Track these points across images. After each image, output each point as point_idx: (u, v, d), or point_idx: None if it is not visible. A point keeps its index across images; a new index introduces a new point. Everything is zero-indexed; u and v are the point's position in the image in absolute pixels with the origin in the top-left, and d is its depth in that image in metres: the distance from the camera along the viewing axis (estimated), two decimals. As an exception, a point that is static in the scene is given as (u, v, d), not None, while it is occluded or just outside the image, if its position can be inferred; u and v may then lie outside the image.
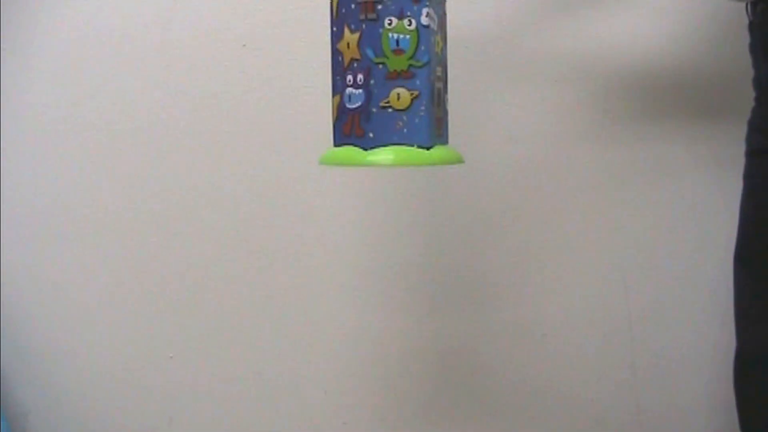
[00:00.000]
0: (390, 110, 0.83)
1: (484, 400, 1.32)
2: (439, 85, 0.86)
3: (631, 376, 1.29)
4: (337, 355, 1.32)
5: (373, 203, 1.29)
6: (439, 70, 0.86)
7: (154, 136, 1.30)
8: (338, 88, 0.86)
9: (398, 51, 0.82)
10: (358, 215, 1.29)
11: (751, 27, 1.01)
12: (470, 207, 1.28)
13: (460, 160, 0.89)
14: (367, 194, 1.28)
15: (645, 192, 1.26)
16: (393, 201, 1.28)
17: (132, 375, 1.34)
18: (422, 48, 0.82)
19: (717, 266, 1.23)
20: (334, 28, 0.86)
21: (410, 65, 0.82)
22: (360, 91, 0.84)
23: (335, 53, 0.86)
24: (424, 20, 0.82)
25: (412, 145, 0.83)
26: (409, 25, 0.82)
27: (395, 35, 0.82)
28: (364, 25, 0.83)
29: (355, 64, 0.84)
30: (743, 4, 1.02)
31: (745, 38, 1.02)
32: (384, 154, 0.83)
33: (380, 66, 0.83)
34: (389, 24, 0.82)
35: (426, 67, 0.82)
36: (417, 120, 0.83)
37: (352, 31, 0.84)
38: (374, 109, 0.83)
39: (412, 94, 0.82)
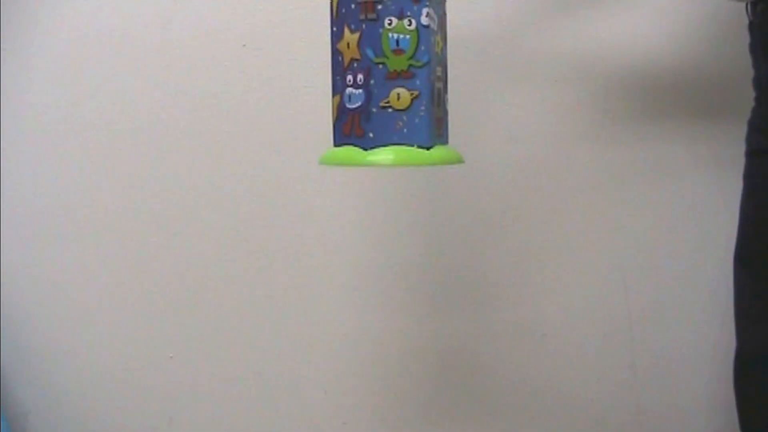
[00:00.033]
0: (390, 110, 0.83)
1: (484, 400, 1.32)
2: (439, 85, 0.86)
3: (631, 376, 1.29)
4: (337, 355, 1.32)
5: (373, 203, 1.29)
6: (439, 70, 0.86)
7: (154, 136, 1.30)
8: (338, 88, 0.86)
9: (398, 51, 0.82)
10: (358, 215, 1.29)
11: (751, 27, 1.01)
12: (470, 207, 1.28)
13: (460, 160, 0.88)
14: (367, 194, 1.28)
15: (645, 192, 1.26)
16: (393, 201, 1.28)
17: (132, 375, 1.34)
18: (422, 48, 0.82)
19: (717, 266, 1.23)
20: (334, 28, 0.86)
21: (410, 65, 0.82)
22: (360, 91, 0.84)
23: (335, 53, 0.86)
24: (424, 20, 0.82)
25: (412, 145, 0.83)
26: (409, 25, 0.82)
27: (395, 35, 0.82)
28: (364, 25, 0.83)
29: (355, 64, 0.84)
30: (743, 4, 1.01)
31: (745, 38, 1.02)
32: (384, 154, 0.83)
33: (380, 66, 0.82)
34: (389, 24, 0.82)
35: (426, 67, 0.82)
36: (417, 120, 0.82)
37: (352, 31, 0.84)
38: (374, 109, 0.83)
39: (412, 94, 0.82)
